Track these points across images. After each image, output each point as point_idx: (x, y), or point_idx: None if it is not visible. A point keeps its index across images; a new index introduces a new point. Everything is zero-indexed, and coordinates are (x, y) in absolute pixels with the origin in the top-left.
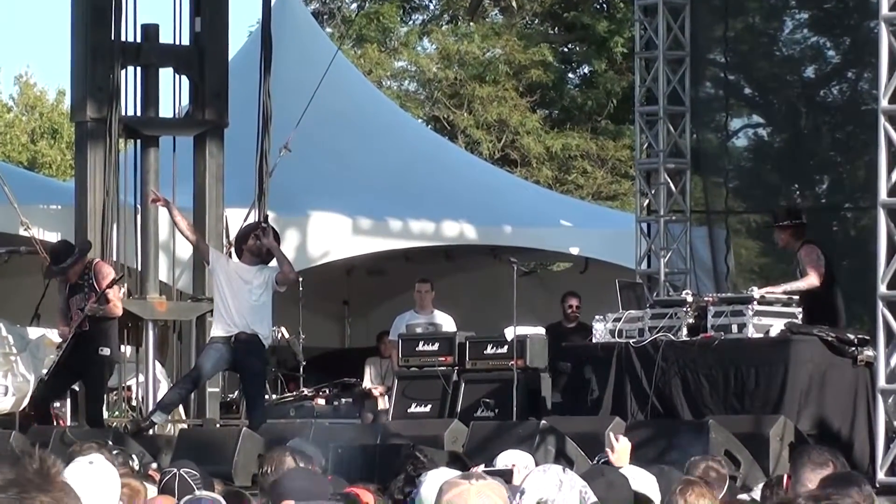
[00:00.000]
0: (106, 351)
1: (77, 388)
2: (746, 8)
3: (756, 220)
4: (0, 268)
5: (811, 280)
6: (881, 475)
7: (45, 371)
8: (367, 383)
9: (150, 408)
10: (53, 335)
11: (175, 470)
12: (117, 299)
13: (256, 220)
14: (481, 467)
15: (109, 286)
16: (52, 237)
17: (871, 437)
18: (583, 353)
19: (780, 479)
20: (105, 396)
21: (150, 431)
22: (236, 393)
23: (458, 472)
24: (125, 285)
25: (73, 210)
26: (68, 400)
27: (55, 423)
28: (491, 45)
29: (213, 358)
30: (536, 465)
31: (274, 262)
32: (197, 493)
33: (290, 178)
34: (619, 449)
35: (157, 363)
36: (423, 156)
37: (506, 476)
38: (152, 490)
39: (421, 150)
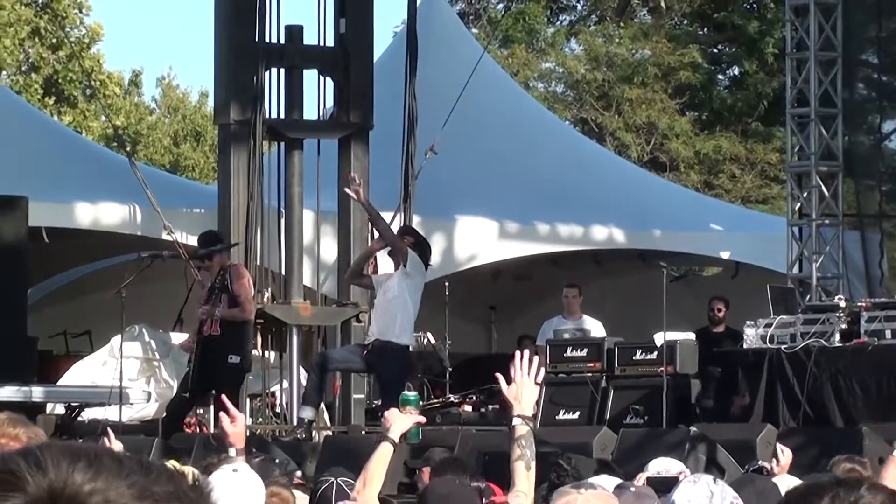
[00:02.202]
0: (235, 359)
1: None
2: None
3: None
4: (143, 273)
5: None
6: None
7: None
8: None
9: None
10: None
11: (332, 478)
12: (248, 301)
13: (402, 223)
14: (644, 476)
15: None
16: (195, 241)
17: None
18: (734, 359)
19: None
20: (239, 404)
21: (312, 434)
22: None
23: (619, 481)
24: (268, 291)
25: (217, 214)
26: (211, 407)
27: (199, 431)
28: (639, 47)
29: (347, 349)
30: (687, 473)
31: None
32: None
33: (436, 181)
34: (785, 461)
35: (302, 369)
36: (570, 159)
37: (669, 484)
38: (299, 499)
39: (569, 153)
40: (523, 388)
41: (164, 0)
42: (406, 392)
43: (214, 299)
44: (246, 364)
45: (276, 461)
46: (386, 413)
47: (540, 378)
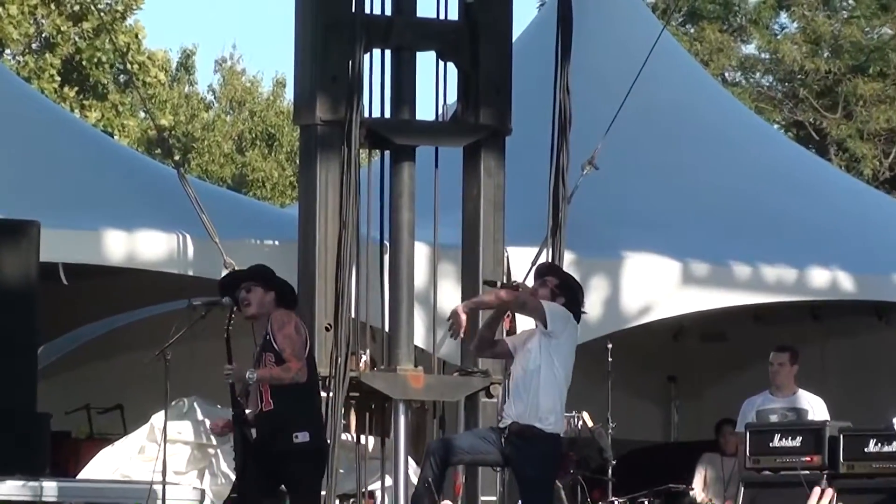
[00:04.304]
0: (303, 436)
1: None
2: None
3: None
4: (195, 326)
5: None
6: None
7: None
8: (699, 492)
9: None
10: None
11: None
12: (294, 357)
13: (549, 261)
14: None
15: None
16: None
17: None
18: None
19: None
20: (320, 499)
21: None
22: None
23: None
24: (366, 354)
25: (296, 247)
26: None
27: None
28: (877, 24)
29: (474, 434)
30: None
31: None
32: None
33: (596, 205)
34: None
35: (411, 461)
36: (781, 176)
37: None
38: None
39: (778, 169)
40: None
41: None
42: None
43: (261, 361)
44: (319, 441)
45: None
46: None
47: None
